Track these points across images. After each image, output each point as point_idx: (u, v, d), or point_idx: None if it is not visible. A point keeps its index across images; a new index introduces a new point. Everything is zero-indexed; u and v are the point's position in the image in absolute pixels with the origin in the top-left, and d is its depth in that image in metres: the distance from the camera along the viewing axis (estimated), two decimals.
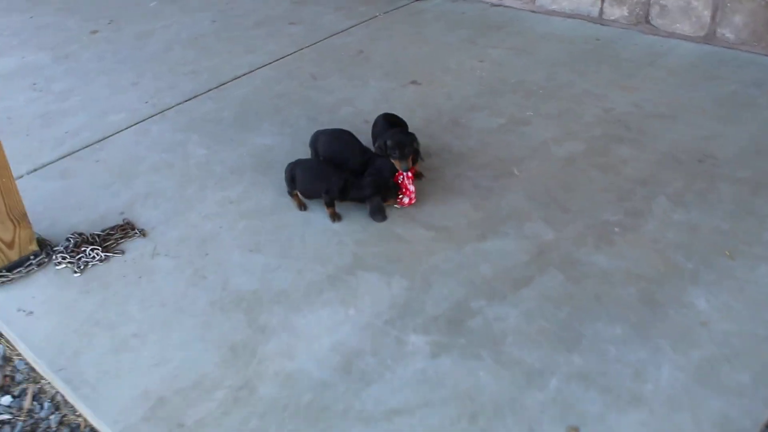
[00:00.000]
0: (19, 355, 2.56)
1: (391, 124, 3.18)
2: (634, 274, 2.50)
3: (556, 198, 2.92)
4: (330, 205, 2.92)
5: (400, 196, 2.92)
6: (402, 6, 4.97)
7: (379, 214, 2.85)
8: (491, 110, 3.57)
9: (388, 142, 2.91)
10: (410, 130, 3.13)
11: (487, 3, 4.87)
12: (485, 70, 3.99)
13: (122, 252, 2.87)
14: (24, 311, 2.65)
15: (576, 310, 2.38)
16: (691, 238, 2.65)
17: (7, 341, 2.61)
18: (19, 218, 2.81)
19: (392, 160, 2.90)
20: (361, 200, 2.89)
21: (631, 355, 2.20)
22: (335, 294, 2.54)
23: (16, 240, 2.81)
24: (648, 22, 4.23)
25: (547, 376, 2.15)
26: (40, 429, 2.31)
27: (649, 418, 2.00)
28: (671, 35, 4.17)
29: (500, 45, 4.28)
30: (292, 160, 3.14)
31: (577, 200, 2.90)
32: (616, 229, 2.72)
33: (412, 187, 2.91)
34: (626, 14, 4.29)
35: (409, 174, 2.91)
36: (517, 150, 3.25)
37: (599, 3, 4.38)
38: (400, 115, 3.27)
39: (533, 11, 4.68)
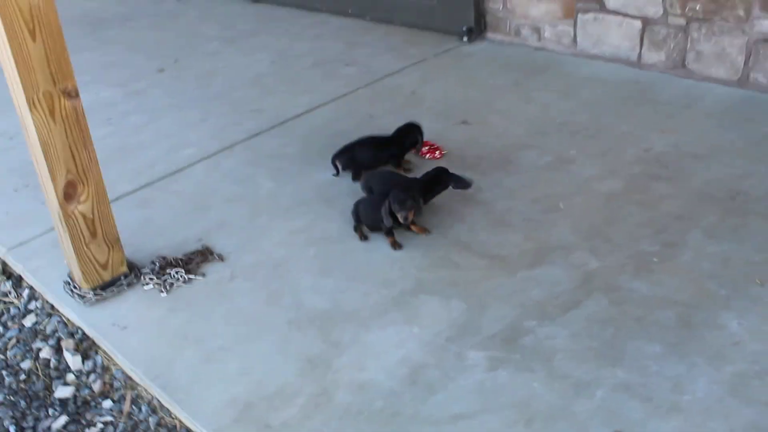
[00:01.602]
0: (116, 364, 2.86)
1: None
2: (672, 299, 2.75)
3: (599, 230, 3.18)
4: (390, 234, 3.21)
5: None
6: (450, 49, 5.28)
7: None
8: (539, 149, 3.85)
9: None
10: (464, 169, 3.44)
11: (531, 47, 5.17)
12: (532, 111, 4.28)
13: (203, 275, 3.18)
14: (118, 326, 2.96)
15: (619, 331, 2.63)
16: (723, 268, 2.90)
17: (105, 352, 2.91)
18: (113, 242, 3.13)
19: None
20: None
21: (669, 369, 2.44)
22: (399, 314, 2.82)
23: (110, 262, 3.13)
24: (684, 66, 4.49)
25: (593, 387, 2.41)
26: (140, 429, 2.60)
27: (686, 425, 2.25)
28: (707, 79, 4.42)
29: (545, 87, 4.56)
30: (353, 193, 3.45)
31: (618, 233, 3.16)
32: (655, 259, 2.97)
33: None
34: (663, 59, 4.56)
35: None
36: (563, 186, 3.51)
37: (638, 48, 4.65)
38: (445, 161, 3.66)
39: (575, 55, 4.96)
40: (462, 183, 3.38)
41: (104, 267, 3.12)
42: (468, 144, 3.98)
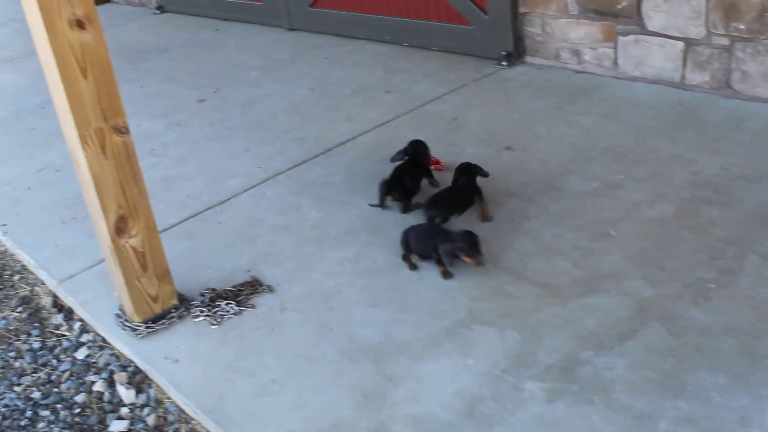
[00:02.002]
0: (169, 398, 2.86)
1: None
2: (732, 327, 2.69)
3: (652, 257, 3.13)
4: (441, 263, 3.18)
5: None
6: (490, 74, 5.27)
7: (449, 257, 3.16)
8: (584, 174, 3.81)
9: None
10: (509, 196, 3.41)
11: (571, 70, 5.14)
12: (575, 135, 4.24)
13: (253, 306, 3.18)
14: (170, 359, 2.96)
15: (679, 361, 2.58)
16: None
17: (158, 385, 2.92)
18: (163, 275, 3.15)
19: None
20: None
21: (734, 401, 2.39)
22: (453, 345, 2.79)
23: (160, 294, 3.14)
24: (729, 86, 4.44)
25: (656, 420, 2.36)
26: None
27: None
28: (753, 99, 4.36)
29: (587, 111, 4.53)
30: (400, 221, 3.44)
31: (672, 259, 3.11)
32: (712, 286, 2.92)
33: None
34: (708, 79, 4.51)
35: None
36: (611, 212, 3.47)
37: (681, 69, 4.61)
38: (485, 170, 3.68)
39: (616, 77, 4.92)
40: (482, 171, 3.65)
41: (155, 300, 3.14)
42: (512, 170, 3.95)
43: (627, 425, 2.36)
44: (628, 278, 3.03)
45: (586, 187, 3.71)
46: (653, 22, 4.61)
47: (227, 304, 3.16)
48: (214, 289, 3.28)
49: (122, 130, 2.86)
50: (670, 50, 4.62)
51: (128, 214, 2.94)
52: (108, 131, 2.82)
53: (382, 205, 3.71)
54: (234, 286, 3.29)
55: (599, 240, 3.29)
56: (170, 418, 2.80)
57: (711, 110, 4.34)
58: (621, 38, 4.83)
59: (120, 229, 2.94)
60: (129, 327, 3.10)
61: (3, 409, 3.01)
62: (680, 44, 4.55)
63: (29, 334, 3.41)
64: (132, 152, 2.90)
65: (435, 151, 3.95)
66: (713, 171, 3.70)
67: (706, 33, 4.41)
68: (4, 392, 3.10)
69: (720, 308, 2.80)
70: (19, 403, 3.03)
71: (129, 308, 3.10)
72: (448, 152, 4.19)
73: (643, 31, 4.69)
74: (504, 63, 5.36)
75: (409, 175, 3.75)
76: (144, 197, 2.98)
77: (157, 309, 3.15)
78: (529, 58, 5.40)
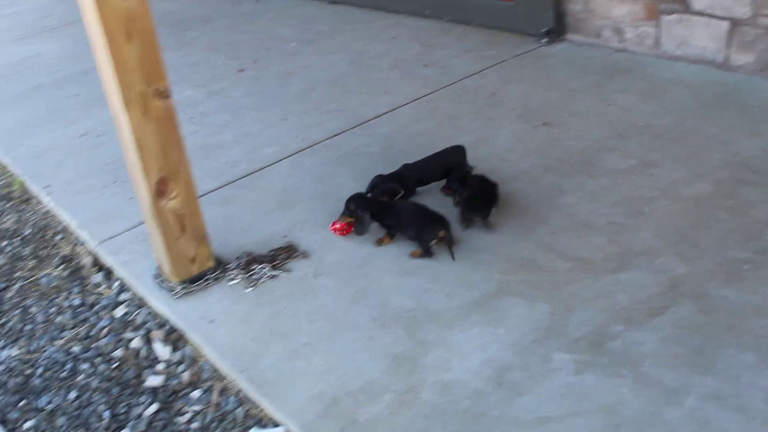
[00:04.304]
0: (203, 356, 2.93)
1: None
2: (764, 308, 2.69)
3: (686, 236, 3.13)
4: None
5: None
6: (529, 51, 5.25)
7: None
8: (621, 152, 3.80)
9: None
10: (545, 172, 3.42)
11: (612, 48, 5.10)
12: (613, 113, 4.22)
13: (288, 270, 3.23)
14: (205, 319, 3.03)
15: (708, 339, 2.58)
16: None
17: (193, 344, 2.99)
18: (201, 237, 3.21)
19: None
20: None
21: (763, 380, 2.39)
22: (483, 316, 2.82)
23: (197, 256, 3.21)
24: None
25: (683, 395, 2.37)
26: (227, 420, 2.66)
27: None
28: None
29: (626, 90, 4.50)
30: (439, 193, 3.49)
31: (706, 239, 3.10)
32: (746, 267, 2.91)
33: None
34: (752, 60, 4.45)
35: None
36: (647, 190, 3.46)
37: (725, 49, 4.55)
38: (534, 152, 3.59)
39: (657, 56, 4.88)
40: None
41: (192, 261, 3.20)
42: (549, 146, 3.95)
43: (655, 399, 2.38)
44: (661, 255, 3.03)
45: (623, 164, 3.70)
46: (698, 1, 4.56)
47: (262, 268, 3.22)
48: (250, 254, 3.34)
49: (164, 94, 2.91)
50: (714, 30, 4.57)
51: (168, 177, 3.00)
52: (150, 95, 2.87)
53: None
54: (270, 251, 3.35)
55: (634, 217, 3.29)
56: (204, 375, 2.87)
57: (754, 92, 4.29)
58: (664, 17, 4.78)
59: (160, 191, 3.00)
60: (166, 287, 3.18)
61: (44, 362, 3.10)
62: (725, 24, 4.50)
63: (70, 292, 3.50)
64: (173, 116, 2.95)
65: (471, 126, 3.94)
66: (753, 153, 3.67)
67: (752, 13, 4.35)
68: (46, 346, 3.20)
69: (753, 288, 2.79)
70: (59, 356, 3.12)
71: (167, 269, 3.17)
72: (485, 126, 4.20)
73: (687, 10, 4.64)
74: (544, 40, 5.33)
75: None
76: (184, 160, 3.04)
77: (194, 270, 3.22)
78: (569, 36, 5.37)
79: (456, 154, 3.71)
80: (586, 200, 3.45)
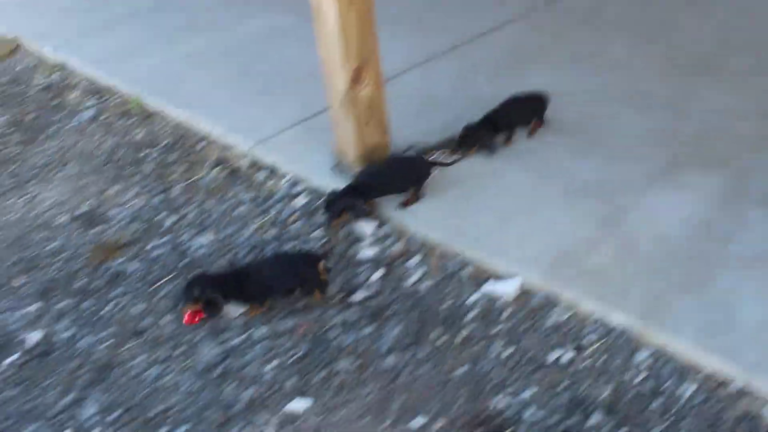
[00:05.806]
0: (407, 231, 3.15)
1: None
2: None
3: None
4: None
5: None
6: None
7: None
8: None
9: None
10: None
11: None
12: None
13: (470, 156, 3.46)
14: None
15: None
16: None
17: (392, 222, 3.20)
18: (383, 127, 3.43)
19: None
20: None
21: None
22: (667, 183, 3.12)
23: (379, 145, 3.44)
24: None
25: None
26: (454, 279, 2.90)
27: None
28: None
29: None
30: None
31: None
32: None
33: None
34: None
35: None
36: None
37: None
38: None
39: None
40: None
41: (373, 151, 3.41)
42: None
43: None
44: None
45: None
46: None
47: (441, 153, 3.45)
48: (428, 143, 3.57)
49: None
50: None
51: (362, 66, 3.19)
52: None
53: None
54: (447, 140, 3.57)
55: None
56: (413, 248, 3.09)
57: None
58: None
59: (356, 79, 3.19)
60: (349, 174, 3.37)
61: (244, 244, 3.28)
62: None
63: (236, 191, 3.66)
64: (372, 5, 3.12)
65: None
66: None
67: None
68: (237, 233, 3.37)
69: None
70: (254, 240, 3.30)
71: (352, 156, 3.37)
72: None
73: None
74: None
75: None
76: (376, 50, 3.22)
77: (376, 158, 3.42)
78: None
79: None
80: None
